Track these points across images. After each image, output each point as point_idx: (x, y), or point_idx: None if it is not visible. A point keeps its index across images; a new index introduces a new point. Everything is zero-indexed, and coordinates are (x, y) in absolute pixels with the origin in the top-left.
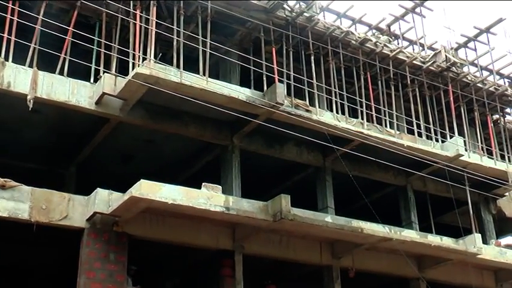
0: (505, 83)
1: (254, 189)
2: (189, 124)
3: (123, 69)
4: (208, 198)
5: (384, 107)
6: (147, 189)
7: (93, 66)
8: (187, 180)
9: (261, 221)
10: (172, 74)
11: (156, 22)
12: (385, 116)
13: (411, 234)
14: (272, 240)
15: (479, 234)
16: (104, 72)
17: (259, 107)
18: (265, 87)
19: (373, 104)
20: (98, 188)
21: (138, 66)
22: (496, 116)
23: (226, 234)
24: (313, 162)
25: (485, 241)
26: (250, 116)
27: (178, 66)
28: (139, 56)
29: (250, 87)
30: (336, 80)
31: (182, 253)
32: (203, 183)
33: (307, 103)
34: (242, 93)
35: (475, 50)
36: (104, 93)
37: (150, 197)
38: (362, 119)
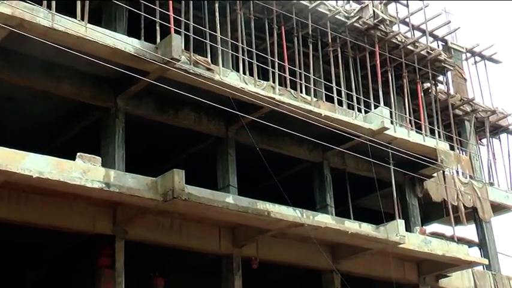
0: (438, 46)
1: (141, 162)
2: (63, 80)
3: None
4: (84, 171)
5: (300, 69)
6: (6, 159)
7: None
8: (58, 149)
9: (149, 200)
10: (42, 16)
11: None
12: (300, 79)
13: (326, 220)
14: (161, 224)
15: (403, 221)
16: None
17: (150, 63)
18: (158, 39)
19: (287, 64)
20: None
21: None
22: (427, 85)
23: (106, 216)
24: (214, 132)
25: (408, 228)
26: (138, 73)
27: (49, 7)
28: None
29: (139, 39)
30: (244, 34)
31: (49, 239)
32: (78, 154)
33: (209, 60)
34: (130, 44)
35: (407, 6)
36: None
37: (9, 169)
38: (273, 82)
